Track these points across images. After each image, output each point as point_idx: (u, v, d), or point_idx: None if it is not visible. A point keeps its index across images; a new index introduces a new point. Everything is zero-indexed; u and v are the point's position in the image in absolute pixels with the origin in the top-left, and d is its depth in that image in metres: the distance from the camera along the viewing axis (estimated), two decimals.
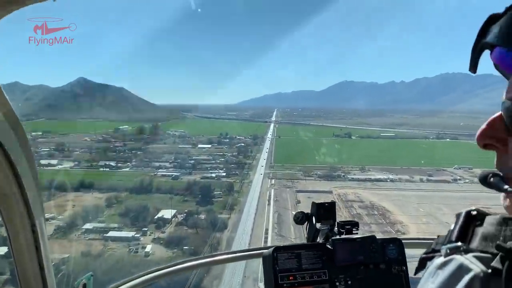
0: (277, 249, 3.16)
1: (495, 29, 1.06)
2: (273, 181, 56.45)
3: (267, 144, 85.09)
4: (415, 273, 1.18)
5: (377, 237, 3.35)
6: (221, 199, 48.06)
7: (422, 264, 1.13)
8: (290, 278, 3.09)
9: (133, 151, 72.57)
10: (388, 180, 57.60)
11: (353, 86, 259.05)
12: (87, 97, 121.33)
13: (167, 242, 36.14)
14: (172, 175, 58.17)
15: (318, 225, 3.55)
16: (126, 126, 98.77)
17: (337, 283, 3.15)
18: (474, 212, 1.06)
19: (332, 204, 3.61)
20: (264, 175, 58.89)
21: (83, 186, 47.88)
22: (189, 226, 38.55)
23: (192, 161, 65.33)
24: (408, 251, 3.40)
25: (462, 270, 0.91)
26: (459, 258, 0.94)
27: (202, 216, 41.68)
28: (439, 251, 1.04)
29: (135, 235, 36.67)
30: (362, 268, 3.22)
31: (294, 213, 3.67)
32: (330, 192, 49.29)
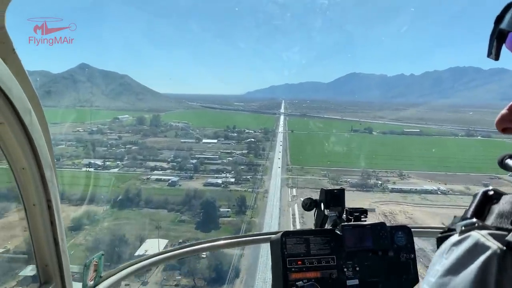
0: (286, 233, 3.04)
1: (508, 16, 1.05)
2: (294, 191, 42.53)
3: (279, 139, 71.74)
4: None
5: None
6: (229, 219, 34.42)
7: (439, 244, 1.05)
8: (299, 262, 2.96)
9: (127, 146, 59.68)
10: (439, 192, 43.88)
11: (362, 78, 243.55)
12: (89, 84, 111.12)
13: None
14: (169, 180, 44.93)
15: (326, 212, 3.36)
16: (127, 116, 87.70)
17: (345, 269, 3.03)
18: (491, 192, 1.04)
19: (341, 191, 3.41)
20: (282, 182, 45.36)
21: None
22: (183, 274, 24.94)
23: (194, 161, 51.97)
24: None
25: (478, 247, 0.88)
26: (475, 235, 0.91)
27: (204, 254, 28.23)
28: (455, 230, 1.01)
29: None
30: (370, 254, 3.10)
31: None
32: (373, 210, 35.84)
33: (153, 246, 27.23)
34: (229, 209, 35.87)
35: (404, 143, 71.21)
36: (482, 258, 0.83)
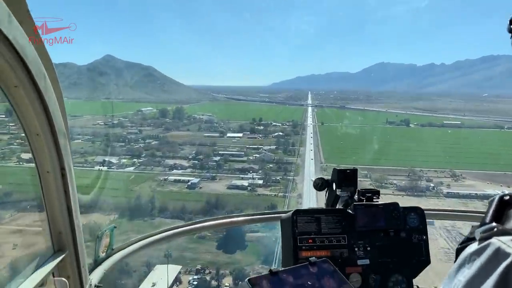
0: (297, 212, 2.97)
1: None
2: None
3: (309, 132, 64.76)
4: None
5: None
6: (257, 234, 27.53)
7: (458, 255, 1.02)
8: (309, 241, 2.92)
9: (147, 141, 54.27)
10: None
11: (390, 67, 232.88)
12: (114, 76, 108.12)
13: None
14: (189, 181, 38.85)
15: (338, 192, 3.27)
16: (150, 108, 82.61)
17: (356, 249, 2.96)
18: (507, 197, 1.02)
19: (354, 171, 3.30)
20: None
21: None
22: None
23: (217, 158, 45.86)
24: None
25: (499, 255, 0.85)
26: (495, 242, 0.88)
27: (226, 286, 21.81)
28: (473, 239, 0.97)
29: None
30: (382, 235, 3.03)
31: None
32: (431, 223, 28.82)
33: (162, 274, 21.06)
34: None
35: (447, 137, 63.25)
36: (503, 265, 0.81)
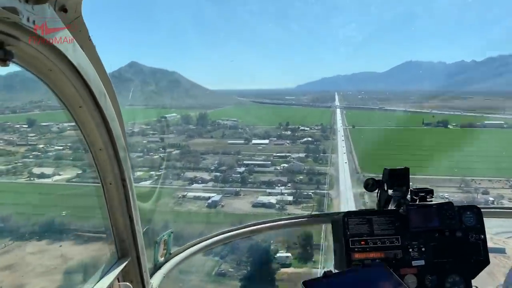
0: (348, 214, 3.00)
1: None
2: None
3: (340, 136, 59.22)
4: None
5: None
6: (289, 270, 22.07)
7: None
8: (362, 243, 2.91)
9: (167, 150, 50.28)
10: None
11: (419, 66, 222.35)
12: (138, 82, 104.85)
13: None
14: (209, 198, 34.10)
15: (390, 192, 3.26)
16: (174, 114, 78.38)
17: (410, 250, 2.93)
18: None
19: (406, 170, 3.24)
20: (356, 200, 32.99)
21: (51, 229, 24.84)
22: None
23: (241, 169, 41.02)
24: None
25: None
26: None
27: None
28: None
29: None
30: (437, 235, 2.99)
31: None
32: (501, 250, 22.97)
33: None
34: (289, 254, 23.37)
35: (493, 139, 56.32)
36: None
